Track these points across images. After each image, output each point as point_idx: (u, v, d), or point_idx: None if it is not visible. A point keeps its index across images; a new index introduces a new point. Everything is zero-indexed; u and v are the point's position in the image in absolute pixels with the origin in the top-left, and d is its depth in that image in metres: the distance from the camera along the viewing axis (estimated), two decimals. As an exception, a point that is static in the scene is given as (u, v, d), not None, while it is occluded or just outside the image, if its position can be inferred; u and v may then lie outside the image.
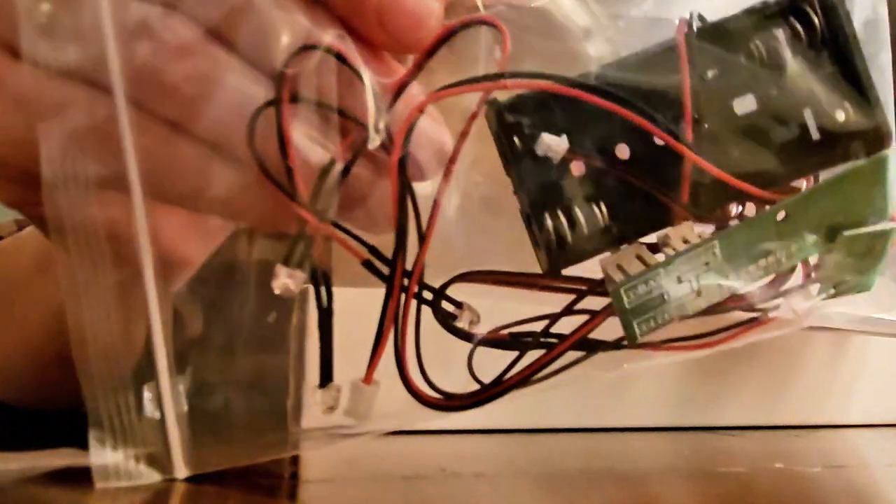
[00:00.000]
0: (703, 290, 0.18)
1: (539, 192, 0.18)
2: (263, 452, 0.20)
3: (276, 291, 0.17)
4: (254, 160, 0.16)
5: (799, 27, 0.18)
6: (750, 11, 0.18)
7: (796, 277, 0.19)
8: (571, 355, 0.19)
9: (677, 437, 0.34)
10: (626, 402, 0.36)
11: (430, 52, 0.17)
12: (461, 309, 0.19)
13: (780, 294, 0.19)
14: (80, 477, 0.19)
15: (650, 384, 0.36)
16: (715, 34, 0.18)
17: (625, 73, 0.18)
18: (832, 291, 0.19)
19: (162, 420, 0.19)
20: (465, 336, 0.19)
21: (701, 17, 0.19)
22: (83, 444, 0.19)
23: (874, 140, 0.18)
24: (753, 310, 0.20)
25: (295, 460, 0.25)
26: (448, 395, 0.18)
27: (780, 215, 0.18)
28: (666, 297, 0.18)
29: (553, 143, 0.17)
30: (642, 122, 0.17)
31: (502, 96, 0.18)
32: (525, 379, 0.18)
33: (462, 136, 0.17)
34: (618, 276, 0.18)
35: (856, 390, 0.40)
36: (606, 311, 0.18)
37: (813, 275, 0.19)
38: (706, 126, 0.18)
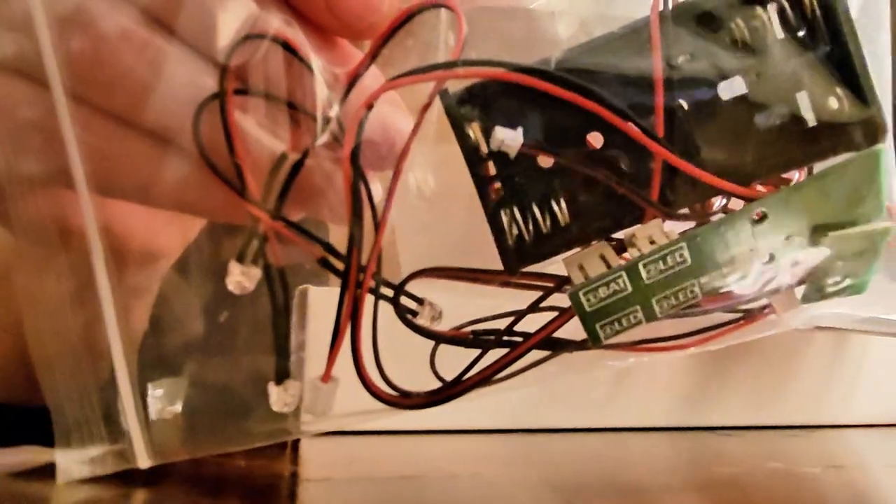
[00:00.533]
0: (671, 294, 0.17)
1: (496, 188, 0.17)
2: (230, 444, 0.20)
3: (230, 288, 0.16)
4: (200, 156, 0.16)
5: (786, 4, 0.16)
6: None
7: (781, 276, 0.18)
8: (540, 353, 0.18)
9: (676, 438, 0.34)
10: (626, 402, 0.36)
11: (385, 39, 0.16)
12: (422, 305, 0.19)
13: (761, 295, 0.18)
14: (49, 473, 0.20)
15: (649, 384, 0.36)
16: (693, 13, 0.17)
17: (590, 56, 0.16)
18: (818, 296, 0.18)
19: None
20: (425, 333, 0.18)
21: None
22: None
23: (867, 132, 0.16)
24: (733, 311, 0.19)
25: (295, 460, 0.25)
26: (405, 394, 0.18)
27: (757, 215, 0.17)
28: (630, 300, 0.16)
29: (507, 137, 0.16)
30: (605, 112, 0.16)
31: (457, 86, 0.17)
32: (486, 378, 0.17)
33: (414, 128, 0.16)
34: (578, 278, 0.17)
35: (856, 390, 0.40)
36: (573, 310, 0.17)
37: (799, 275, 0.18)
38: (684, 115, 0.17)
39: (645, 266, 0.16)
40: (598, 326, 0.17)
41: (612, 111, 0.16)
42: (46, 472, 0.20)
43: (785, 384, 0.38)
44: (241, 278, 0.16)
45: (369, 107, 0.16)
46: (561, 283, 0.18)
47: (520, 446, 0.31)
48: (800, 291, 0.18)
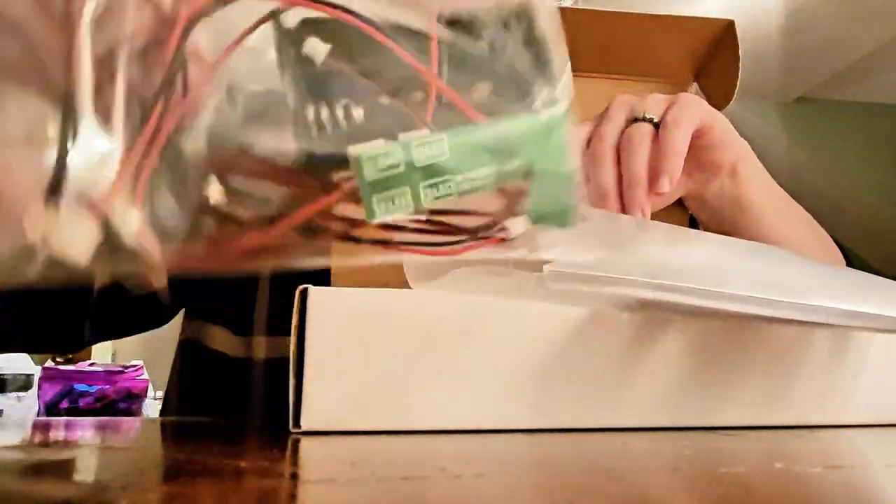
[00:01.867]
0: (434, 183, 0.20)
1: (306, 88, 0.21)
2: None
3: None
4: None
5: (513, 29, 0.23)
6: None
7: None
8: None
9: (677, 438, 0.34)
10: (627, 402, 0.36)
11: None
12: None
13: (499, 217, 0.22)
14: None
15: (652, 385, 0.36)
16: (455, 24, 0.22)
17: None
18: (537, 217, 0.22)
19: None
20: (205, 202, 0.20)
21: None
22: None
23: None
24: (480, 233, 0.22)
25: (295, 461, 0.25)
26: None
27: (492, 130, 0.21)
28: (402, 179, 0.20)
29: (316, 47, 0.20)
30: (405, 55, 0.20)
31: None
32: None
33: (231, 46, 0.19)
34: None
35: (856, 390, 0.40)
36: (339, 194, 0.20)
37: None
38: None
39: (416, 146, 0.20)
40: (374, 199, 0.20)
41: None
42: (43, 471, 0.20)
43: (786, 385, 0.38)
44: None
45: (182, 36, 0.19)
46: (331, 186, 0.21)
47: (523, 446, 0.31)
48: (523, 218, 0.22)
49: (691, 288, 0.33)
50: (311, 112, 0.20)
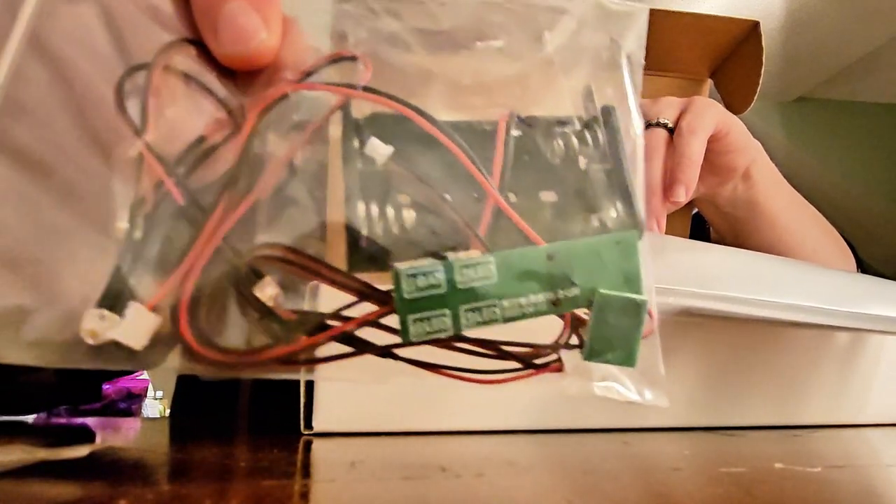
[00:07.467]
0: (477, 307, 0.19)
1: (361, 184, 0.20)
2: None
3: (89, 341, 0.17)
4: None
5: (589, 140, 0.23)
6: (559, 121, 0.23)
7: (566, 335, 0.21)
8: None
9: (678, 438, 0.34)
10: (631, 403, 0.36)
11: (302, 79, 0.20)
12: (261, 280, 0.19)
13: (552, 347, 0.21)
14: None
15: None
16: (531, 126, 0.22)
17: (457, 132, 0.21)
18: (594, 357, 0.20)
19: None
20: (253, 304, 0.19)
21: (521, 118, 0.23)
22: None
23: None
24: (528, 361, 0.21)
25: (304, 460, 0.25)
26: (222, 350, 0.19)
27: (549, 254, 0.20)
28: (443, 301, 0.18)
29: (378, 149, 0.20)
30: (463, 158, 0.20)
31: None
32: (287, 358, 0.19)
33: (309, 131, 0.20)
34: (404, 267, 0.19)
35: (868, 391, 0.40)
36: (378, 312, 0.19)
37: (578, 333, 0.21)
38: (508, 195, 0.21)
39: (460, 268, 0.19)
40: (410, 319, 0.18)
41: (470, 160, 0.20)
42: (43, 471, 0.20)
43: (797, 385, 0.38)
44: (96, 325, 0.18)
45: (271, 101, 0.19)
46: (380, 294, 0.19)
47: (523, 447, 0.31)
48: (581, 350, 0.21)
49: (746, 298, 0.33)
50: (361, 209, 0.19)
